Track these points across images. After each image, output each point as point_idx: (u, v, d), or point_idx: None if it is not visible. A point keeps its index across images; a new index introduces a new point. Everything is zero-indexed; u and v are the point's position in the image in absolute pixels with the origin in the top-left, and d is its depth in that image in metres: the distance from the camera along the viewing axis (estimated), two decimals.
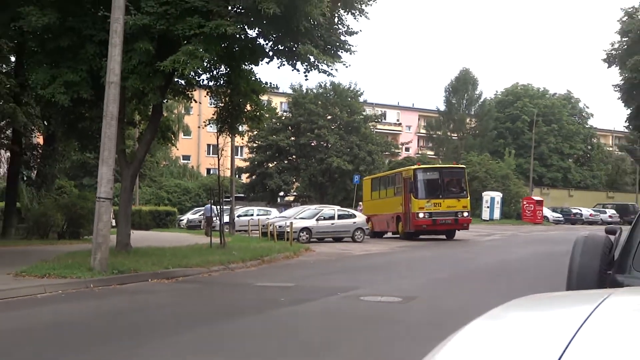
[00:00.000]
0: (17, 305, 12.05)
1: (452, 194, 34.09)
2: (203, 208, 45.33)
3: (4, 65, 26.87)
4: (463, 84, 78.40)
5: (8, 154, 30.93)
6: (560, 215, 65.66)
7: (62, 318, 11.08)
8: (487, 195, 59.86)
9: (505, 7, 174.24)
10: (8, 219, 28.17)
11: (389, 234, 36.89)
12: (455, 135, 77.21)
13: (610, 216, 63.64)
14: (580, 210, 67.13)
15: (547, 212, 63.55)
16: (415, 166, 39.47)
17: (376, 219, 38.12)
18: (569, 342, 1.22)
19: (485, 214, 59.17)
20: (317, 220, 33.65)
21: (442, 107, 79.41)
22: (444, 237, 34.67)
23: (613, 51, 38.14)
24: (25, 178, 32.12)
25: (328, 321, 10.99)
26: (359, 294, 13.67)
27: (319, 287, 15.05)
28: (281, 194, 66.67)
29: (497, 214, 59.79)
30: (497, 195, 60.59)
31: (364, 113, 68.01)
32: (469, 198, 35.35)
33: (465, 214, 33.97)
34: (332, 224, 33.77)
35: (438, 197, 33.51)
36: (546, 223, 60.07)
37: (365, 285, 15.07)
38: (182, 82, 21.56)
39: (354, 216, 35.33)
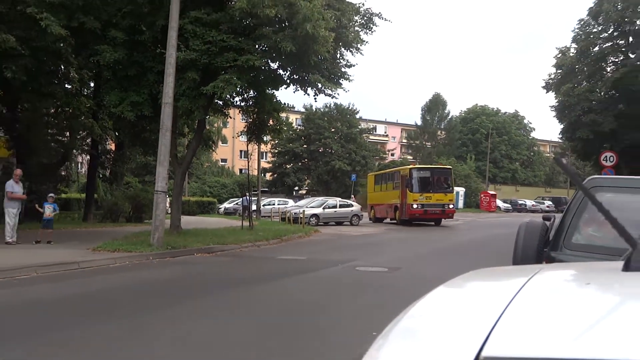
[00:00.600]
0: (95, 273, 12.11)
1: (441, 190, 32.45)
2: (237, 199, 45.46)
3: (85, 90, 26.88)
4: (435, 105, 78.89)
5: (88, 157, 31.00)
6: (510, 206, 65.83)
7: (129, 282, 11.13)
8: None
9: (468, 43, 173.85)
10: (88, 207, 28.23)
11: (388, 220, 35.92)
12: (429, 144, 77.24)
13: (547, 206, 63.61)
14: (525, 202, 67.33)
15: (499, 203, 63.70)
16: (411, 166, 37.86)
17: (378, 208, 37.40)
18: (507, 306, 1.23)
19: None
20: (323, 208, 33.66)
21: (419, 122, 79.56)
22: (432, 223, 33.10)
23: (550, 80, 38.07)
24: (101, 176, 32.18)
25: (331, 285, 11.00)
26: (355, 265, 13.68)
27: (324, 260, 15.06)
28: (296, 188, 66.64)
29: (461, 204, 60.02)
30: (461, 190, 60.95)
31: (360, 127, 68.17)
32: (454, 193, 34.19)
33: (451, 206, 32.82)
34: (335, 211, 33.80)
35: (429, 191, 31.95)
36: (499, 211, 60.17)
37: (360, 259, 15.07)
38: (220, 102, 21.53)
39: (351, 205, 35.32)
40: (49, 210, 16.40)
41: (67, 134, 27.30)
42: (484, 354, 0.98)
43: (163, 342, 6.37)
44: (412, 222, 32.44)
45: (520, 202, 67.61)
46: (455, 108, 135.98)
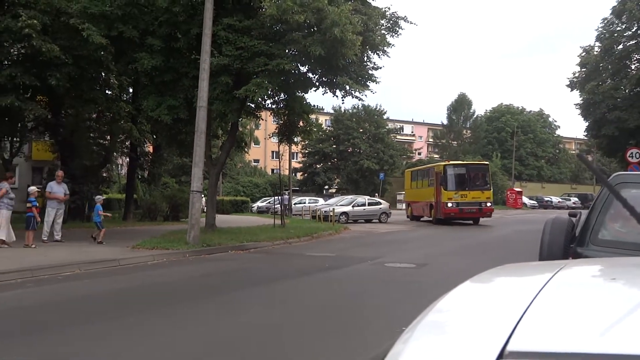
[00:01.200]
0: (134, 270, 12.28)
1: (477, 187, 29.44)
2: (269, 198, 45.62)
3: (124, 95, 27.29)
4: (461, 104, 78.35)
5: (127, 159, 31.46)
6: (536, 202, 64.94)
7: (167, 278, 11.26)
8: None
9: (493, 43, 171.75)
10: (128, 206, 28.64)
11: (425, 218, 33.12)
12: (455, 142, 76.59)
13: (573, 203, 62.63)
14: (551, 199, 66.32)
15: (525, 199, 62.87)
16: (445, 162, 33.45)
17: (415, 205, 34.54)
18: (532, 300, 1.21)
19: None
20: (352, 206, 33.57)
21: (445, 122, 79.08)
22: (470, 222, 30.43)
23: (574, 78, 37.49)
24: (139, 177, 32.62)
25: (360, 281, 10.98)
26: (383, 261, 13.63)
27: (353, 257, 15.03)
28: (326, 187, 66.64)
29: None
30: None
31: (387, 127, 67.79)
32: (491, 190, 30.75)
33: (489, 204, 29.76)
34: (364, 209, 33.68)
35: (465, 189, 29.14)
36: (525, 208, 59.38)
37: (389, 255, 15.02)
38: (252, 105, 21.66)
39: (380, 203, 35.15)
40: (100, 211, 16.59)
41: (108, 137, 27.73)
42: (509, 348, 0.97)
43: (200, 333, 6.43)
44: (448, 222, 29.67)
45: (546, 198, 66.59)
46: (481, 107, 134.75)
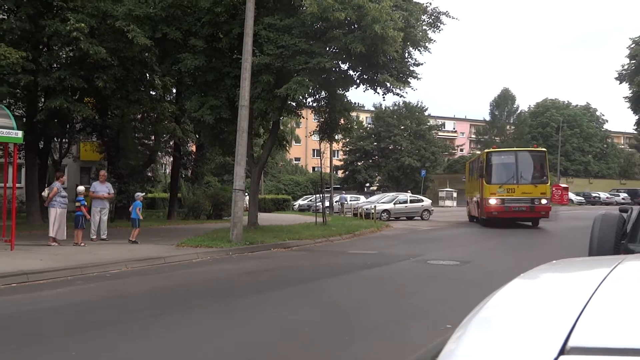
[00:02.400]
0: (180, 267, 12.48)
1: (529, 179, 24.28)
2: (310, 196, 45.72)
3: (168, 96, 27.77)
4: (504, 100, 77.27)
5: (171, 158, 31.99)
6: (583, 198, 63.49)
7: (212, 276, 11.41)
8: None
9: (537, 37, 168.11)
10: (172, 205, 29.14)
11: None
12: (498, 138, 75.37)
13: (622, 198, 60.87)
14: (599, 194, 64.70)
15: (572, 196, 61.52)
16: (490, 149, 28.39)
17: (470, 203, 30.05)
18: (591, 296, 1.18)
19: None
20: (394, 204, 33.42)
21: (488, 118, 78.11)
22: (529, 223, 25.65)
23: (623, 71, 36.48)
24: (183, 176, 33.11)
25: (403, 278, 10.91)
26: (426, 258, 13.52)
27: (395, 254, 14.95)
28: (367, 184, 66.51)
29: None
30: None
31: (428, 123, 67.23)
32: (549, 184, 25.19)
33: (544, 201, 24.16)
34: (406, 206, 33.49)
35: (512, 182, 24.18)
36: (571, 204, 58.08)
37: (431, 252, 14.88)
38: (294, 103, 21.75)
39: (421, 200, 34.92)
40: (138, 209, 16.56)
41: (152, 137, 28.26)
42: (570, 344, 0.95)
43: (246, 330, 6.50)
44: (494, 223, 24.70)
45: (593, 194, 64.99)
46: (524, 102, 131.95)
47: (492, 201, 24.23)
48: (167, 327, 6.64)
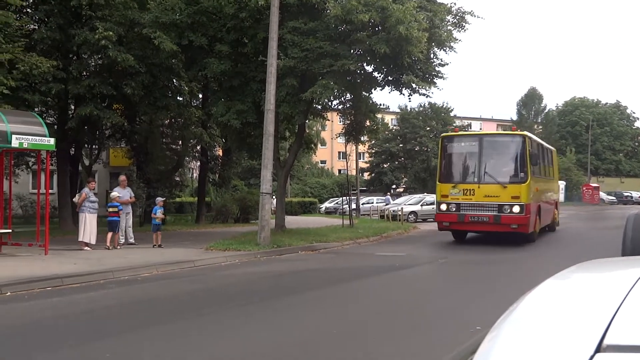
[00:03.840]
0: (209, 270, 12.60)
1: (497, 176, 16.95)
2: (337, 198, 45.71)
3: (194, 101, 28.06)
4: (531, 99, 76.44)
5: (198, 163, 32.27)
6: (614, 198, 62.41)
7: (241, 279, 11.51)
8: None
9: (564, 34, 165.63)
10: (200, 209, 29.39)
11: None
12: None
13: None
14: (631, 194, 63.52)
15: (603, 195, 60.54)
16: (447, 133, 22.04)
17: None
18: (627, 294, 1.19)
19: None
20: (421, 205, 33.29)
21: (515, 117, 77.18)
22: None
23: None
24: (210, 180, 33.36)
25: (431, 279, 10.87)
26: (455, 260, 13.43)
27: (424, 256, 14.90)
28: (393, 186, 66.28)
29: (562, 198, 58.58)
30: (562, 183, 59.18)
31: (454, 124, 66.78)
32: (528, 183, 16.69)
33: (517, 208, 16.37)
34: (433, 207, 33.23)
35: (471, 180, 17.27)
36: (602, 204, 57.22)
37: (459, 253, 14.79)
38: (319, 106, 21.81)
39: None
40: (159, 213, 16.56)
41: (180, 142, 28.55)
42: (606, 342, 0.96)
43: (275, 332, 6.56)
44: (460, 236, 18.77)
45: (625, 194, 63.83)
46: (552, 101, 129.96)
47: (443, 206, 17.53)
48: (205, 328, 6.72)
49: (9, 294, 9.23)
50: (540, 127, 76.02)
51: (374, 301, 8.72)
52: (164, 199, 18.13)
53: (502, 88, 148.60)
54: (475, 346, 1.19)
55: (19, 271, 10.84)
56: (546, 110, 77.38)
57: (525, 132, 18.62)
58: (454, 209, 17.20)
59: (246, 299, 9.00)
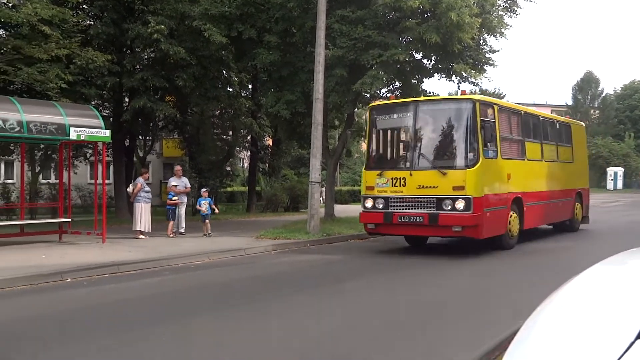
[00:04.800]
0: (260, 258, 12.79)
1: (432, 159, 12.54)
2: None
3: (244, 91, 28.38)
4: (587, 83, 74.23)
5: (249, 153, 32.63)
6: None
7: (291, 265, 11.64)
8: (610, 170, 57.80)
9: (622, 15, 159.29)
10: (250, 198, 29.75)
11: None
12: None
13: None
14: None
15: None
16: (376, 102, 16.43)
17: None
18: None
19: (610, 185, 57.21)
20: None
21: (570, 102, 75.09)
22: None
23: None
24: (260, 169, 33.72)
25: (487, 263, 10.74)
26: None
27: (475, 241, 14.67)
28: None
29: (620, 185, 56.73)
30: (620, 170, 57.38)
31: None
32: (477, 167, 11.81)
33: (460, 203, 11.68)
34: None
35: (401, 166, 13.01)
36: None
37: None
38: (368, 95, 21.72)
39: None
40: (204, 206, 16.62)
41: (230, 132, 28.95)
42: None
43: (327, 320, 6.65)
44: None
45: None
46: (610, 85, 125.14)
47: (368, 203, 13.04)
48: (256, 314, 6.87)
49: (69, 280, 9.64)
50: (597, 111, 73.70)
51: (428, 287, 8.70)
52: (208, 189, 18.40)
53: (557, 72, 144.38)
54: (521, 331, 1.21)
55: (78, 258, 11.30)
56: (603, 95, 75.03)
57: (478, 96, 12.74)
58: (381, 206, 12.66)
59: (296, 285, 9.14)
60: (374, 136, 13.70)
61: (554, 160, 16.07)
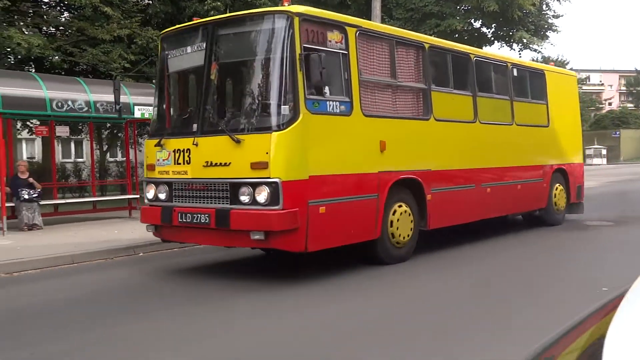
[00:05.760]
0: None
1: (232, 120, 7.20)
2: None
3: None
4: None
5: None
6: None
7: None
8: None
9: None
10: None
11: None
12: None
13: None
14: None
15: None
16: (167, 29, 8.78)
17: None
18: None
19: None
20: None
21: None
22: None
23: None
24: None
25: (557, 238, 10.61)
26: (583, 218, 12.91)
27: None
28: None
29: None
30: None
31: None
32: (295, 125, 6.64)
33: (263, 193, 6.64)
34: None
35: (188, 129, 7.53)
36: None
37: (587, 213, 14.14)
38: None
39: None
40: None
41: None
42: None
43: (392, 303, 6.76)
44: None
45: None
46: None
47: (150, 192, 8.16)
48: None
49: (141, 254, 10.12)
50: None
51: (499, 262, 8.67)
52: None
53: (625, 36, 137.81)
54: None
55: (149, 234, 11.79)
56: None
57: (302, 7, 7.23)
58: (164, 196, 7.91)
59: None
60: (164, 83, 8.67)
61: (504, 122, 10.75)
